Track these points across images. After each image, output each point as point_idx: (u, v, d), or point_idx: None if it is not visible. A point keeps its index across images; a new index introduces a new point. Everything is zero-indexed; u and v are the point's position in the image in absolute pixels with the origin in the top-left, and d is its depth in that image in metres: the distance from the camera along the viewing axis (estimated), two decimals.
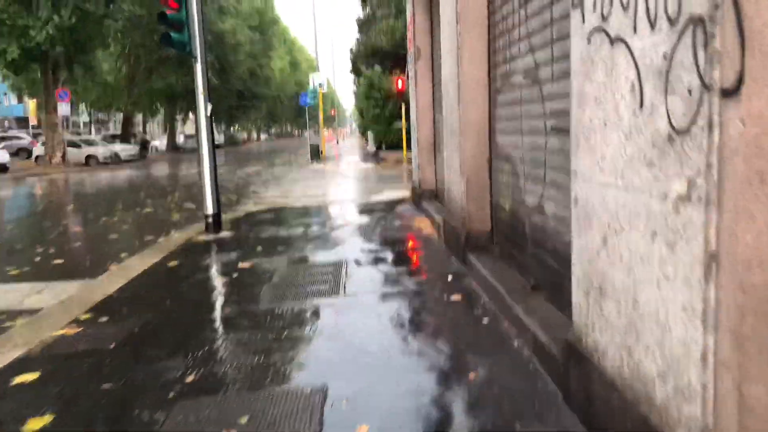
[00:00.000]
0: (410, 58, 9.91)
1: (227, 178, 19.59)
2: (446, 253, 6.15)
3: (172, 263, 6.62)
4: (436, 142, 9.16)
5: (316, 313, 4.40)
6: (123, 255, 7.52)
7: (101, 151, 30.98)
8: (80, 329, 4.33)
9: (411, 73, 9.80)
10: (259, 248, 7.16)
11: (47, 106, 27.00)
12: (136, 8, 28.31)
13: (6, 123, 72.37)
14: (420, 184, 9.41)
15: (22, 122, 57.11)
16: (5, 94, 58.33)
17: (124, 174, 23.49)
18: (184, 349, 3.78)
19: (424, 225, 7.94)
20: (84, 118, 64.80)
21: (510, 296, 3.95)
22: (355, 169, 22.20)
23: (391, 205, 10.58)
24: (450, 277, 5.06)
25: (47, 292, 5.72)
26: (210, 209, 8.19)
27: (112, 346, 3.93)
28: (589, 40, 2.40)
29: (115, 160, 31.28)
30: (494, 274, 4.48)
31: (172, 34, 7.65)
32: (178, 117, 55.18)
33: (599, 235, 2.38)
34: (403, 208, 9.94)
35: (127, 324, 4.40)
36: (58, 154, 27.02)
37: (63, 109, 25.73)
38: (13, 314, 5.00)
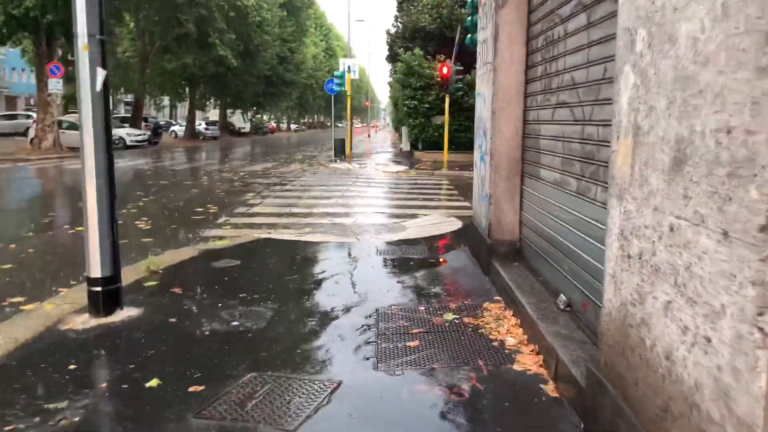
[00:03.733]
0: (483, 9, 5.82)
1: (226, 177, 15.80)
2: None
3: None
4: (525, 157, 5.07)
5: None
6: None
7: None
8: None
9: (484, 36, 5.70)
10: (157, 382, 3.23)
11: (39, 83, 23.65)
12: None
13: (32, 101, 70.35)
14: (489, 230, 5.32)
15: None
16: (23, 70, 55.77)
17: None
18: None
19: (512, 337, 3.83)
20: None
21: None
22: (385, 173, 18.17)
23: (433, 252, 6.54)
24: None
25: None
26: (97, 270, 4.27)
27: None
28: None
29: (119, 146, 27.97)
30: None
31: None
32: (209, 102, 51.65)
33: None
34: (456, 266, 5.88)
35: None
36: (50, 137, 23.67)
37: (53, 85, 22.28)
38: None
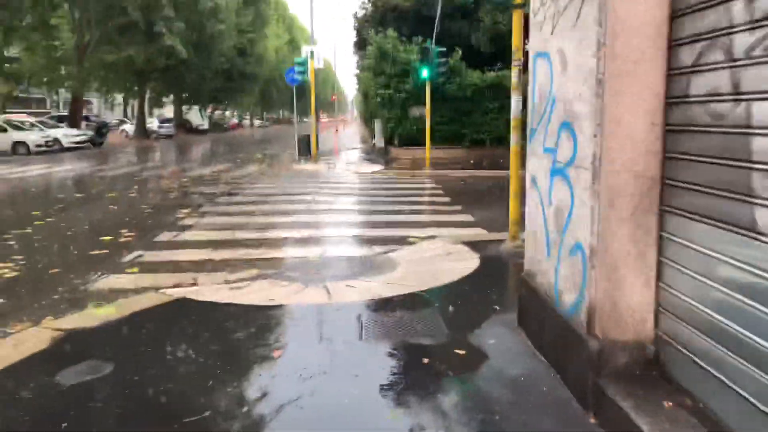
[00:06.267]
0: None
1: (163, 186, 12.83)
2: None
3: None
4: (670, 175, 2.45)
5: None
6: None
7: (33, 137, 24.22)
8: None
9: None
10: None
11: None
12: None
13: None
14: (589, 319, 2.69)
15: None
16: None
17: (33, 174, 16.66)
18: None
19: None
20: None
21: None
22: (358, 174, 15.46)
23: (455, 328, 3.87)
24: None
25: None
26: None
27: None
28: None
29: (54, 148, 24.49)
30: None
31: None
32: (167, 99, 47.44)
33: None
34: (512, 374, 3.22)
35: None
36: None
37: None
38: None
